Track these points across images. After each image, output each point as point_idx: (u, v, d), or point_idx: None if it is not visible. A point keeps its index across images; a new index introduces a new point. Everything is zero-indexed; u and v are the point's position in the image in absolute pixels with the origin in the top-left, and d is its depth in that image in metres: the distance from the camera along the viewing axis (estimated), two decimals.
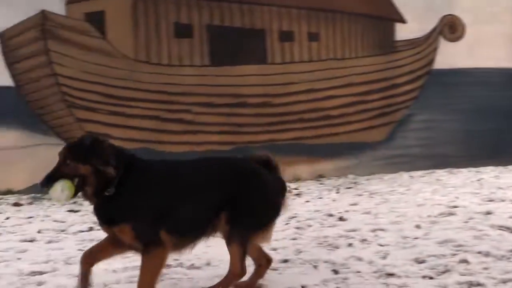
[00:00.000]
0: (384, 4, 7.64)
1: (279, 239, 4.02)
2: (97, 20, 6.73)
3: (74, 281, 2.93)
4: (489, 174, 6.83)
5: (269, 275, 3.19)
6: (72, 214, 5.34)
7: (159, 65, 6.91)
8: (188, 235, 2.83)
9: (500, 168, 7.15)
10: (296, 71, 7.09)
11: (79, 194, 2.71)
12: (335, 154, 6.94)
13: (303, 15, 7.27)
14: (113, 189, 2.64)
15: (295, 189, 6.14)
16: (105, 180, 2.66)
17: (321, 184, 6.46)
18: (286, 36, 7.21)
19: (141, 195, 2.75)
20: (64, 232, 4.65)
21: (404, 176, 6.79)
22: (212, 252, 3.43)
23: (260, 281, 3.06)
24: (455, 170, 7.17)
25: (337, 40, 7.37)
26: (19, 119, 6.68)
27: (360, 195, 5.85)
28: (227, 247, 2.83)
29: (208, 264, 3.44)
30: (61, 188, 2.63)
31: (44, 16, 6.62)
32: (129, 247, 2.79)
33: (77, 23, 6.71)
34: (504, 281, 2.72)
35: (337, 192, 5.99)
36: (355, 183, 6.38)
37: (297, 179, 6.46)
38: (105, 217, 2.73)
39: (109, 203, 2.69)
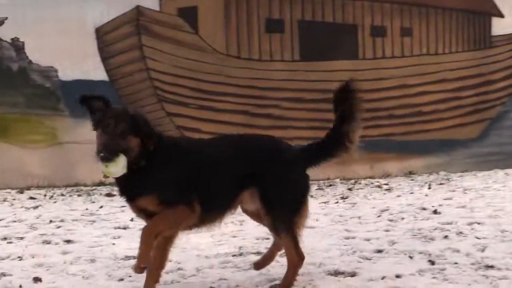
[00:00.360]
0: None
1: (372, 230, 4.01)
2: (189, 15, 6.80)
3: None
4: None
5: (363, 263, 3.16)
6: None
7: (249, 60, 6.94)
8: (215, 208, 2.79)
9: None
10: (387, 67, 7.01)
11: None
12: (426, 151, 6.80)
13: (396, 9, 7.18)
14: (144, 161, 2.60)
15: (385, 184, 6.05)
16: (140, 154, 2.63)
17: (411, 180, 6.36)
18: (378, 31, 7.15)
19: (172, 167, 2.71)
20: None
21: (499, 173, 6.62)
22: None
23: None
24: None
25: (430, 35, 7.23)
26: None
27: (454, 190, 5.70)
28: (274, 237, 2.88)
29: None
30: (122, 163, 2.55)
31: (138, 11, 6.74)
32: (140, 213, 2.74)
33: (171, 18, 6.81)
34: None
35: (429, 188, 5.88)
36: (447, 179, 6.22)
37: (386, 175, 6.35)
38: (133, 189, 2.67)
39: (138, 175, 2.63)
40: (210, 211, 2.76)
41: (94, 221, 4.78)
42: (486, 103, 7.27)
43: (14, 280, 3.14)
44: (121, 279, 3.17)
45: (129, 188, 2.67)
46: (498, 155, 7.17)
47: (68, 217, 5.11)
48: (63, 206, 5.65)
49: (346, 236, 3.95)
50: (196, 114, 6.95)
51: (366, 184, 6.61)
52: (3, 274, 3.27)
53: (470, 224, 3.96)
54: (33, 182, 6.74)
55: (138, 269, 2.66)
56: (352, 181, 6.52)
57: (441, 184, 6.08)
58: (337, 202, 5.32)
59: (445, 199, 5.18)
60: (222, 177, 2.80)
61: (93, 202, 5.91)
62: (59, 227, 4.67)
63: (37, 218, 5.09)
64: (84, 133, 6.35)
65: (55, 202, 5.97)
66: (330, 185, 6.37)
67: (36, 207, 5.68)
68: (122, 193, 2.72)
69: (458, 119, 6.98)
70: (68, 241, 4.14)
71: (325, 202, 5.30)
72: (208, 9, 6.98)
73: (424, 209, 4.71)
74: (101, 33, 6.79)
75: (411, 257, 3.29)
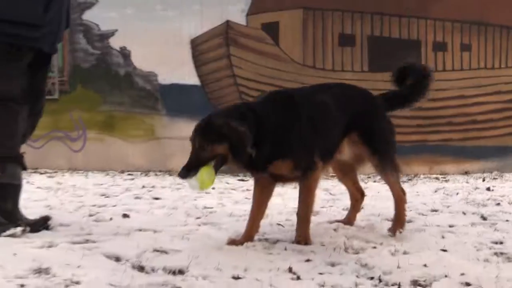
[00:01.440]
0: None
1: (428, 200, 4.27)
2: (272, 29, 7.24)
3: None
4: None
5: (419, 217, 3.43)
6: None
7: (323, 69, 7.23)
8: (329, 156, 2.86)
9: None
10: (447, 79, 7.03)
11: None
12: (481, 156, 6.93)
13: (456, 27, 7.28)
14: (254, 150, 2.55)
15: (443, 177, 6.32)
16: (244, 146, 2.55)
17: (467, 176, 6.54)
18: (440, 47, 7.28)
19: (291, 133, 2.70)
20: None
21: None
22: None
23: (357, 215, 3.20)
24: None
25: (488, 51, 7.29)
26: (202, 113, 7.38)
27: (507, 181, 5.86)
28: (382, 175, 2.99)
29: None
30: (206, 176, 2.51)
31: (228, 25, 7.22)
32: (280, 180, 2.82)
33: (255, 31, 7.26)
34: None
35: (483, 180, 6.01)
36: (501, 176, 6.41)
37: (444, 174, 6.61)
38: (260, 164, 2.66)
39: (259, 154, 2.60)
40: (326, 160, 2.83)
41: (180, 188, 5.22)
42: None
43: (106, 216, 3.54)
44: (198, 217, 3.53)
45: (258, 162, 2.65)
46: None
47: (158, 184, 5.76)
48: (180, 181, 5.94)
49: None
50: None
51: (425, 178, 6.63)
52: (98, 213, 3.72)
53: None
54: (133, 170, 7.29)
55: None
56: (411, 175, 6.65)
57: (494, 178, 6.21)
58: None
59: (497, 184, 5.44)
60: (331, 128, 2.88)
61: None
62: (150, 190, 5.25)
63: (132, 185, 5.79)
64: (177, 130, 6.98)
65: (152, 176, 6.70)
66: None
67: (132, 179, 6.38)
68: (253, 168, 2.73)
69: (511, 128, 6.95)
70: (156, 198, 4.66)
71: None
72: (287, 25, 7.33)
73: (477, 188, 5.08)
74: (195, 43, 7.27)
75: (464, 213, 3.59)
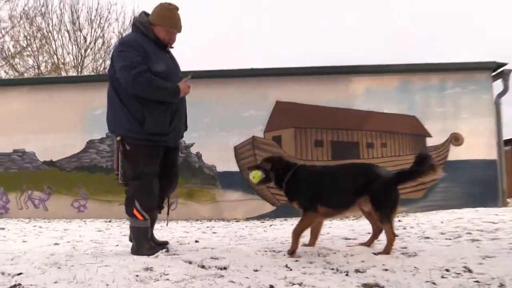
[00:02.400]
0: (416, 126, 9.69)
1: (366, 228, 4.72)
2: (278, 140, 9.58)
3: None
4: None
5: (361, 237, 4.06)
6: None
7: (306, 160, 9.45)
8: (335, 205, 3.45)
9: None
10: (375, 163, 7.94)
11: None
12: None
13: (378, 134, 9.69)
14: (284, 184, 3.51)
15: None
16: (281, 179, 3.52)
17: None
18: (370, 145, 9.59)
19: (302, 185, 3.48)
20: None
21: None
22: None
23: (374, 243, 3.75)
24: None
25: (396, 147, 9.61)
26: (241, 187, 9.54)
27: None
28: (380, 224, 3.47)
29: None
30: (259, 174, 3.57)
31: (254, 138, 9.58)
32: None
33: (269, 141, 9.57)
34: None
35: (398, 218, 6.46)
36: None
37: None
38: (287, 196, 3.60)
39: (287, 190, 3.55)
40: (332, 209, 3.43)
41: (228, 227, 6.31)
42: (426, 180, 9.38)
43: (186, 241, 4.53)
44: (236, 241, 4.40)
45: (287, 194, 3.61)
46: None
47: (216, 225, 6.86)
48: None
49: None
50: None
51: (362, 218, 5.92)
52: (181, 238, 4.65)
53: None
54: (202, 219, 8.87)
55: (292, 253, 3.39)
56: (357, 216, 7.24)
57: (403, 216, 7.03)
58: None
59: (404, 219, 6.16)
60: (338, 188, 3.46)
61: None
62: (211, 228, 6.20)
63: (201, 226, 6.65)
64: (227, 197, 9.32)
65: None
66: None
67: (201, 223, 7.45)
68: (286, 196, 3.61)
69: (413, 188, 8.34)
70: (214, 232, 5.55)
71: None
72: (287, 136, 9.55)
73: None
74: (236, 148, 9.57)
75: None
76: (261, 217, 9.14)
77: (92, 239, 5.19)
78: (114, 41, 21.98)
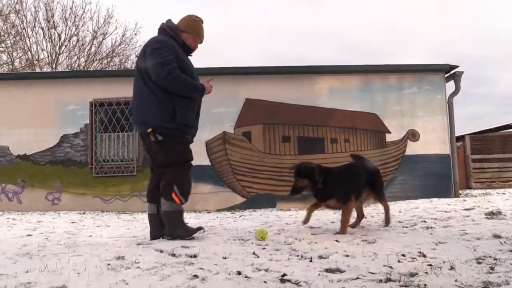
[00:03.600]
0: (377, 123, 9.98)
1: (323, 216, 5.25)
2: (248, 135, 9.66)
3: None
4: None
5: (323, 227, 4.17)
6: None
7: (275, 154, 9.69)
8: (359, 196, 4.12)
9: None
10: (338, 157, 9.40)
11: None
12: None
13: (342, 130, 9.91)
14: (320, 186, 3.85)
15: None
16: (315, 182, 3.82)
17: None
18: (334, 141, 9.82)
19: (338, 184, 3.90)
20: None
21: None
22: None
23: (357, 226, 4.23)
24: None
25: (358, 142, 9.86)
26: (212, 180, 9.63)
27: None
28: (380, 202, 4.38)
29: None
30: (265, 232, 3.68)
31: (224, 133, 9.62)
32: (331, 208, 4.11)
33: (239, 136, 9.66)
34: None
35: None
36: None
37: None
38: (320, 197, 3.95)
39: (321, 191, 3.88)
40: (356, 199, 4.05)
41: (200, 218, 6.19)
42: (386, 173, 9.34)
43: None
44: (206, 230, 4.29)
45: (320, 196, 3.92)
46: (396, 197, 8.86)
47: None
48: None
49: None
50: (250, 179, 9.52)
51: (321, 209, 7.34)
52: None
53: None
54: None
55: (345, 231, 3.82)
56: None
57: (364, 207, 7.08)
58: None
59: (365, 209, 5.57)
60: (359, 183, 4.12)
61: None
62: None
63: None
64: (200, 190, 9.34)
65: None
66: None
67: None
68: (317, 197, 3.97)
69: None
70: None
71: None
72: (256, 132, 9.66)
73: None
74: (207, 143, 9.59)
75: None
76: (232, 208, 9.22)
77: (66, 230, 5.12)
78: (88, 39, 21.55)
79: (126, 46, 22.67)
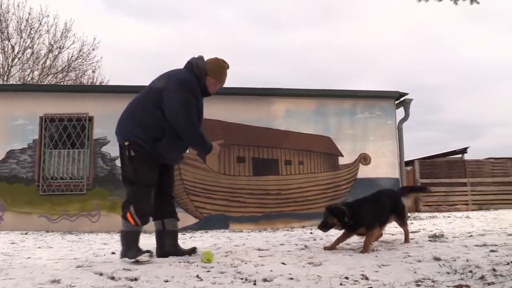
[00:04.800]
0: (330, 146, 10.20)
1: (280, 236, 5.51)
2: (202, 156, 9.27)
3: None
4: None
5: (272, 248, 4.27)
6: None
7: (229, 175, 9.63)
8: (383, 223, 4.58)
9: None
10: (292, 179, 9.74)
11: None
12: (311, 218, 8.93)
13: (296, 152, 9.98)
14: (351, 222, 4.27)
15: None
16: (345, 223, 4.26)
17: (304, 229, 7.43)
18: (288, 162, 9.90)
19: (364, 215, 4.28)
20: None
21: None
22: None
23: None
24: None
25: (312, 165, 10.01)
26: None
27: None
28: (401, 227, 4.83)
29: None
30: (211, 254, 3.66)
31: None
32: (360, 235, 4.39)
33: (193, 156, 9.33)
34: None
35: (311, 230, 6.84)
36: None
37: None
38: (350, 229, 4.34)
39: (352, 224, 4.30)
40: (381, 226, 4.53)
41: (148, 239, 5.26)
42: (338, 195, 9.81)
43: (102, 253, 3.96)
44: (150, 254, 3.74)
45: (349, 228, 4.35)
46: None
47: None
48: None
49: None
50: (203, 200, 9.40)
51: (282, 230, 7.57)
52: (99, 250, 4.18)
53: None
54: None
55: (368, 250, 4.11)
56: (276, 229, 8.01)
57: (316, 229, 6.29)
58: None
59: (315, 231, 6.21)
60: (384, 211, 4.56)
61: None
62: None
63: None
64: None
65: None
66: None
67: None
68: (347, 229, 4.39)
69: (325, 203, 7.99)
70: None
71: None
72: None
73: (306, 233, 5.68)
74: None
75: (296, 244, 4.76)
76: (184, 229, 8.92)
77: (3, 251, 4.87)
78: (44, 52, 20.93)
79: (83, 61, 22.13)
